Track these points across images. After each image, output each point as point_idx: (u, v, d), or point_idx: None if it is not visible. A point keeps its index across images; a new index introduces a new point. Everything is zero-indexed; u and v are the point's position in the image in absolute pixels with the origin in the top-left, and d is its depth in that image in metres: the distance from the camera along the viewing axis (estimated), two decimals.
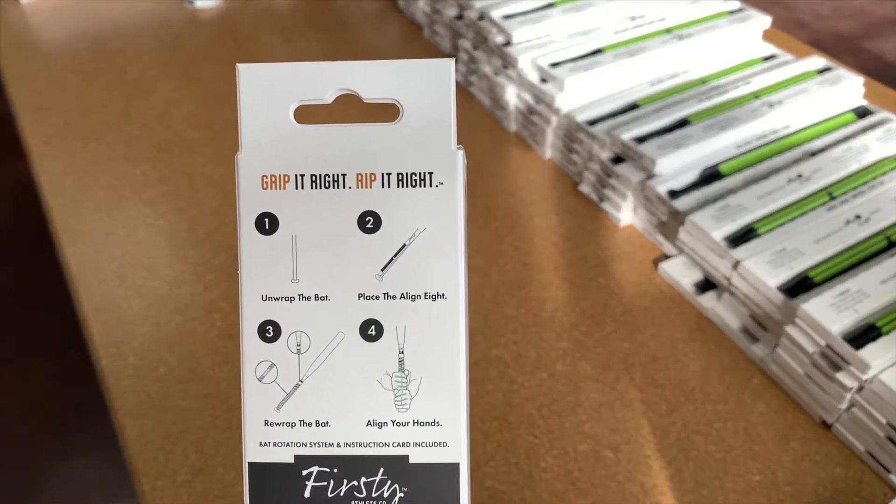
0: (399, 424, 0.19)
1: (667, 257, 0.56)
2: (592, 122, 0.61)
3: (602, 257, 0.57)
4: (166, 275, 0.56)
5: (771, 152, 0.58)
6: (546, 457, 0.44)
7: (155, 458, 0.44)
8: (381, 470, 0.19)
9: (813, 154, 0.58)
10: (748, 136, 0.60)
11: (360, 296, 0.19)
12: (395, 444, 0.19)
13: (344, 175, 0.19)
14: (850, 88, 0.65)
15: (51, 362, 1.25)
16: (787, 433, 0.45)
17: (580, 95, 0.64)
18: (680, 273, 0.54)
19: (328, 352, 0.19)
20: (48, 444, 1.15)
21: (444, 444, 0.18)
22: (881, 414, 0.41)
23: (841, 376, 0.42)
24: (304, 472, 0.19)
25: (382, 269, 0.19)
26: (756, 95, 0.63)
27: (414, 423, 0.19)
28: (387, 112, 0.20)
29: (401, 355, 0.19)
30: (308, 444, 0.19)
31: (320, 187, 0.19)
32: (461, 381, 0.19)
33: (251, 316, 0.19)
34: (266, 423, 0.19)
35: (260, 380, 0.19)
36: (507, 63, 0.69)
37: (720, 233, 0.51)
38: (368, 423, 0.19)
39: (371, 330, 0.19)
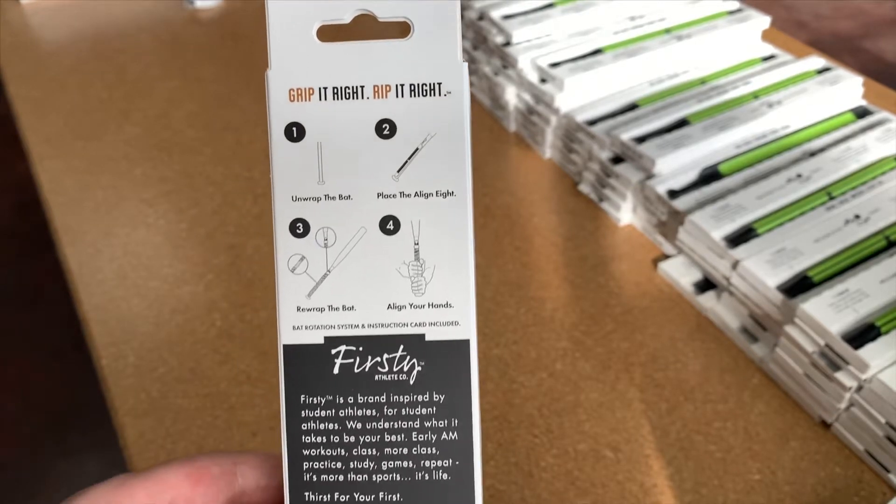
0: (416, 307, 0.21)
1: (666, 257, 0.56)
2: (592, 122, 0.62)
3: (602, 257, 0.57)
4: (166, 274, 0.56)
5: (770, 152, 0.58)
6: (546, 456, 0.44)
7: (155, 457, 0.44)
8: (401, 347, 0.21)
9: (812, 154, 0.58)
10: (748, 136, 0.60)
11: (378, 195, 0.21)
12: (413, 325, 0.21)
13: (362, 87, 0.21)
14: (849, 88, 0.65)
15: (51, 362, 1.25)
16: (787, 433, 0.45)
17: (580, 95, 0.64)
18: (679, 273, 0.54)
19: (352, 245, 0.21)
20: (48, 444, 1.15)
21: (456, 324, 0.21)
22: (880, 413, 0.41)
23: (840, 376, 0.42)
24: (333, 352, 0.21)
25: (398, 171, 0.21)
26: (755, 95, 0.63)
27: (429, 305, 0.21)
28: (399, 30, 0.22)
29: (416, 247, 0.21)
30: (336, 327, 0.21)
31: (341, 98, 0.21)
32: (469, 269, 0.21)
33: (283, 215, 0.21)
34: (298, 308, 0.21)
35: (292, 271, 0.21)
36: (507, 63, 0.69)
37: (719, 232, 0.51)
38: (389, 307, 0.21)
39: (389, 225, 0.21)
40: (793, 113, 0.62)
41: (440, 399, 0.21)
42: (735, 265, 0.49)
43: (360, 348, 0.21)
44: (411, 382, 0.21)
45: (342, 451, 0.21)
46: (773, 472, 0.43)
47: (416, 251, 0.21)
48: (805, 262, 0.48)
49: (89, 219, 0.61)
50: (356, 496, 0.21)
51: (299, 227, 0.21)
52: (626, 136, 0.58)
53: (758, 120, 0.60)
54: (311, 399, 0.21)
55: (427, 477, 0.21)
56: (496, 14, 0.71)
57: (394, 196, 0.21)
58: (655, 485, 0.42)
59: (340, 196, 0.21)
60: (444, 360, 0.21)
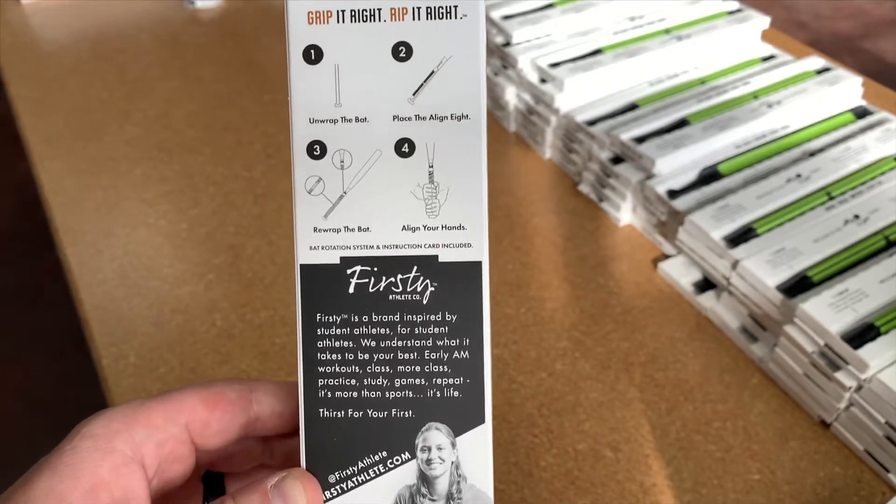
0: (430, 229, 0.21)
1: (666, 257, 0.56)
2: (592, 123, 0.62)
3: (601, 257, 0.57)
4: (167, 274, 0.56)
5: (770, 152, 0.58)
6: (546, 456, 0.44)
7: None
8: (415, 268, 0.21)
9: (812, 154, 0.58)
10: (747, 136, 0.60)
11: (394, 117, 0.21)
12: (427, 246, 0.22)
13: (379, 9, 0.21)
14: (848, 88, 0.65)
15: (51, 362, 1.25)
16: (787, 432, 0.45)
17: (580, 96, 0.64)
18: (679, 273, 0.54)
19: (368, 167, 0.21)
20: (48, 444, 1.15)
21: (469, 245, 0.22)
22: (880, 413, 0.41)
23: (840, 376, 0.42)
24: (349, 272, 0.21)
25: (414, 94, 0.21)
26: (755, 95, 0.63)
27: (442, 227, 0.22)
28: None
29: (430, 169, 0.21)
30: (352, 247, 0.22)
31: (359, 21, 0.21)
32: (483, 192, 0.22)
33: (300, 137, 0.22)
34: (315, 229, 0.22)
35: (309, 192, 0.22)
36: (507, 63, 0.69)
37: (719, 232, 0.51)
38: (403, 228, 0.21)
39: (404, 147, 0.21)
40: (792, 113, 0.62)
41: (452, 319, 0.22)
42: (735, 265, 0.49)
43: (375, 268, 0.21)
44: (424, 302, 0.22)
45: (356, 368, 0.21)
46: (772, 472, 0.43)
47: (431, 174, 0.21)
48: (805, 262, 0.48)
49: (90, 219, 0.61)
50: (369, 412, 0.21)
51: (316, 149, 0.22)
52: (626, 136, 0.58)
53: (757, 120, 0.60)
54: (326, 318, 0.22)
55: (439, 394, 0.21)
56: (496, 14, 0.71)
57: (409, 119, 0.21)
58: (655, 484, 0.42)
59: (357, 118, 0.21)
60: (456, 281, 0.22)
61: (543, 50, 0.67)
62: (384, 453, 0.22)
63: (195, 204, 0.62)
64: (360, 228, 0.21)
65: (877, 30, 2.25)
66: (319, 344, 0.22)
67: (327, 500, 0.22)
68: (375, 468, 0.22)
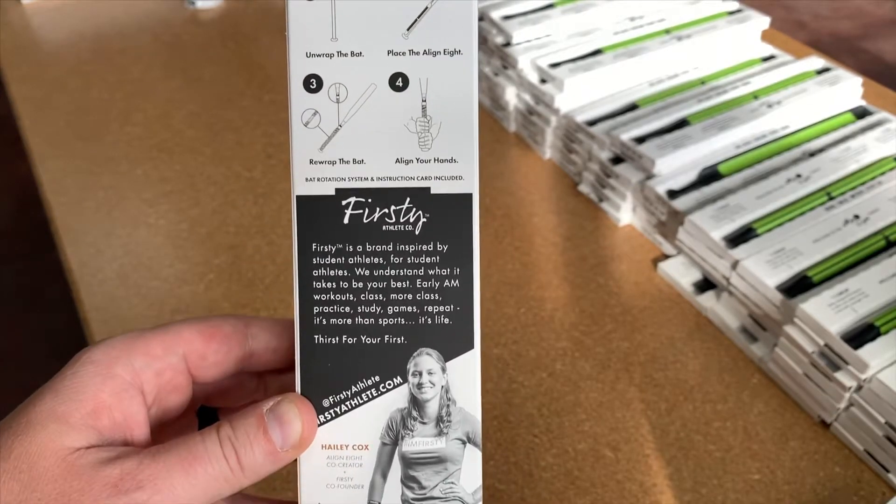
0: (422, 161, 0.22)
1: (666, 257, 0.56)
2: (592, 123, 0.62)
3: (601, 257, 0.57)
4: (167, 274, 0.56)
5: (770, 152, 0.58)
6: (546, 456, 0.44)
7: None
8: (408, 199, 0.22)
9: (812, 154, 0.58)
10: (747, 136, 0.60)
11: (388, 52, 0.22)
12: (420, 178, 0.22)
13: None
14: (848, 89, 0.65)
15: (51, 362, 1.25)
16: (786, 432, 0.45)
17: (580, 96, 0.64)
18: (679, 273, 0.54)
19: (363, 101, 0.22)
20: None
21: (460, 178, 0.22)
22: (880, 413, 0.41)
23: (840, 376, 0.42)
24: (343, 203, 0.22)
25: (408, 29, 0.22)
26: (755, 96, 0.63)
27: (434, 160, 0.22)
28: None
29: (423, 103, 0.22)
30: (346, 179, 0.22)
31: None
32: (474, 125, 0.22)
33: (297, 71, 0.22)
34: (311, 161, 0.22)
35: (305, 125, 0.22)
36: (507, 63, 0.69)
37: (719, 232, 0.51)
38: (397, 161, 0.22)
39: (399, 82, 0.22)
40: (792, 113, 0.62)
41: (443, 249, 0.22)
42: (735, 265, 0.49)
43: (369, 200, 0.22)
44: (417, 233, 0.22)
45: (350, 296, 0.22)
46: (772, 472, 0.43)
47: (424, 107, 0.22)
48: (804, 262, 0.48)
49: (90, 219, 0.61)
50: (363, 339, 0.22)
51: (313, 83, 0.22)
52: (626, 136, 0.59)
53: (757, 120, 0.60)
54: (322, 247, 0.22)
55: (430, 321, 0.22)
56: (496, 14, 0.71)
57: (403, 53, 0.22)
58: (655, 484, 0.42)
59: (352, 53, 0.22)
60: (447, 212, 0.22)
61: (543, 50, 0.67)
62: (377, 378, 0.22)
63: (195, 204, 0.62)
64: (354, 161, 0.22)
65: (876, 30, 2.25)
66: (315, 273, 0.22)
67: (321, 423, 0.22)
68: (368, 392, 0.22)
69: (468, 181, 0.22)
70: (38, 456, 0.19)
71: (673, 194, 0.55)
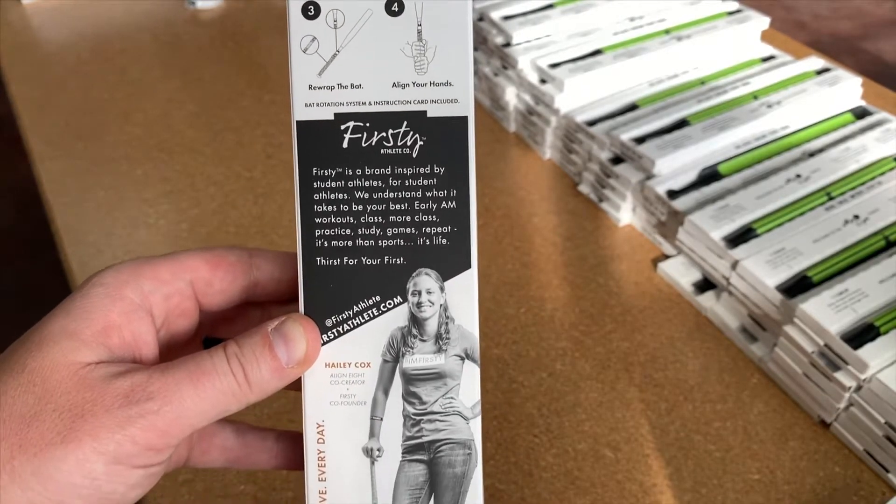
0: (418, 85, 0.22)
1: (666, 257, 0.56)
2: (592, 123, 0.62)
3: (601, 257, 0.57)
4: None
5: (770, 153, 0.58)
6: (546, 456, 0.44)
7: None
8: (405, 123, 0.22)
9: (811, 154, 0.58)
10: (747, 136, 0.60)
11: None
12: (416, 102, 0.22)
13: None
14: (848, 89, 0.65)
15: None
16: (786, 432, 0.45)
17: (579, 96, 0.65)
18: (679, 273, 0.54)
19: (360, 26, 0.22)
20: None
21: (455, 101, 0.22)
22: (879, 413, 0.41)
23: (839, 376, 0.43)
24: (342, 127, 0.23)
25: None
26: (755, 96, 0.63)
27: (430, 84, 0.22)
28: None
29: (419, 27, 0.22)
30: (345, 104, 0.23)
31: None
32: (468, 49, 0.22)
33: None
34: (310, 87, 0.23)
35: (304, 51, 0.22)
36: (507, 64, 0.69)
37: (719, 233, 0.51)
38: (394, 85, 0.22)
39: (394, 6, 0.22)
40: (792, 113, 0.62)
41: (440, 171, 0.23)
42: (734, 265, 0.49)
43: (367, 124, 0.22)
44: (414, 156, 0.23)
45: (351, 219, 0.23)
46: (772, 472, 0.43)
47: (419, 32, 0.22)
48: (804, 262, 0.48)
49: (90, 219, 0.61)
50: (363, 260, 0.23)
51: (311, 9, 0.22)
52: (626, 136, 0.59)
53: (757, 120, 0.60)
54: (322, 171, 0.23)
55: (428, 242, 0.23)
56: (496, 15, 0.71)
57: None
58: (655, 484, 0.42)
59: None
60: (444, 135, 0.22)
61: (543, 50, 0.67)
62: (377, 298, 0.23)
63: (196, 204, 0.62)
64: (352, 85, 0.22)
65: (876, 30, 2.25)
66: (316, 196, 0.23)
67: (325, 342, 0.23)
68: (369, 312, 0.23)
69: (463, 104, 0.22)
70: (52, 370, 0.20)
71: (673, 194, 0.55)
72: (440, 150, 0.23)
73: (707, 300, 0.52)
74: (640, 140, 0.58)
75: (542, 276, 0.55)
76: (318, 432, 0.23)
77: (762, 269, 0.48)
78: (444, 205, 0.23)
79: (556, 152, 0.66)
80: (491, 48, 0.71)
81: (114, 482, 0.20)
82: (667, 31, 0.70)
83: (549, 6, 0.72)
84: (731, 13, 0.73)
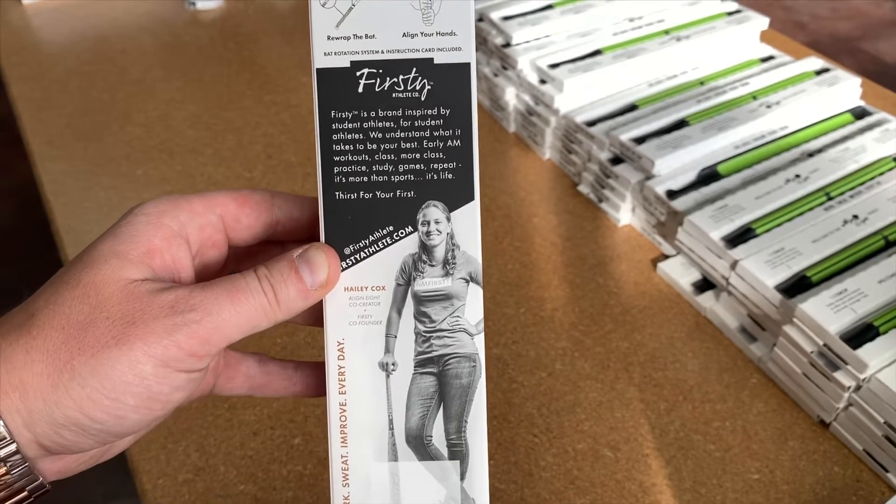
0: (426, 35, 0.25)
1: (665, 257, 0.57)
2: (591, 123, 0.62)
3: (601, 257, 0.57)
4: None
5: (769, 153, 0.59)
6: (545, 455, 0.44)
7: (156, 456, 0.44)
8: (414, 69, 0.25)
9: (811, 155, 0.58)
10: (746, 136, 0.60)
11: None
12: (424, 50, 0.25)
13: None
14: (847, 89, 0.65)
15: None
16: (786, 432, 0.45)
17: (579, 96, 0.65)
18: (678, 273, 0.54)
19: None
20: None
21: (459, 49, 0.25)
22: (879, 413, 0.41)
23: (839, 375, 0.43)
24: (358, 74, 0.25)
25: None
26: (754, 96, 0.63)
27: (437, 34, 0.25)
28: None
29: None
30: (360, 53, 0.25)
31: None
32: (471, 2, 0.25)
33: None
34: (328, 38, 0.25)
35: (323, 6, 0.25)
36: (507, 64, 0.69)
37: (718, 233, 0.51)
38: (404, 35, 0.25)
39: None
40: (791, 114, 0.62)
41: (446, 112, 0.25)
42: (734, 265, 0.49)
43: (380, 70, 0.25)
44: (422, 99, 0.25)
45: (366, 157, 0.25)
46: (771, 472, 0.43)
47: None
48: (803, 262, 0.48)
49: (91, 219, 0.61)
50: (378, 194, 0.25)
51: None
52: (626, 136, 0.59)
53: (756, 121, 0.60)
54: (340, 114, 0.25)
55: (436, 177, 0.25)
56: (496, 15, 0.71)
57: None
58: (654, 484, 0.42)
59: None
60: (449, 80, 0.25)
61: (543, 51, 0.68)
62: (390, 228, 0.25)
63: None
64: (366, 36, 0.25)
65: (875, 31, 2.25)
66: (334, 137, 0.25)
67: (344, 269, 0.25)
68: (383, 240, 0.25)
69: (466, 52, 0.25)
70: (104, 284, 0.22)
71: (672, 194, 0.55)
72: (446, 93, 0.25)
73: (706, 300, 0.52)
74: (640, 140, 0.58)
75: (542, 276, 0.55)
76: (338, 350, 0.26)
77: (761, 269, 0.48)
78: (449, 143, 0.25)
79: (556, 153, 0.66)
80: (491, 48, 0.71)
81: (161, 383, 0.22)
82: (666, 32, 0.70)
83: (549, 7, 0.73)
84: (730, 13, 0.73)
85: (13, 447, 0.21)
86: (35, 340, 0.21)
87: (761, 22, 0.72)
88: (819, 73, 0.66)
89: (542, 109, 0.66)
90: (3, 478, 0.22)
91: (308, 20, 0.25)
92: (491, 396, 0.47)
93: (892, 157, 0.58)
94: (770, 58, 0.70)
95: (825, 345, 0.43)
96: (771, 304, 0.47)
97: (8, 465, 0.21)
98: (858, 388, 0.42)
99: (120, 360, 0.21)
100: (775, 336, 0.47)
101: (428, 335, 0.25)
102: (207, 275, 0.26)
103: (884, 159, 0.57)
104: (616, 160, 0.59)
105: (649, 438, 0.45)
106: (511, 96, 0.69)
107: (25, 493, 0.22)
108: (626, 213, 0.59)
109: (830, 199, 0.53)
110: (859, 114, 0.63)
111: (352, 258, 0.25)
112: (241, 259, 0.28)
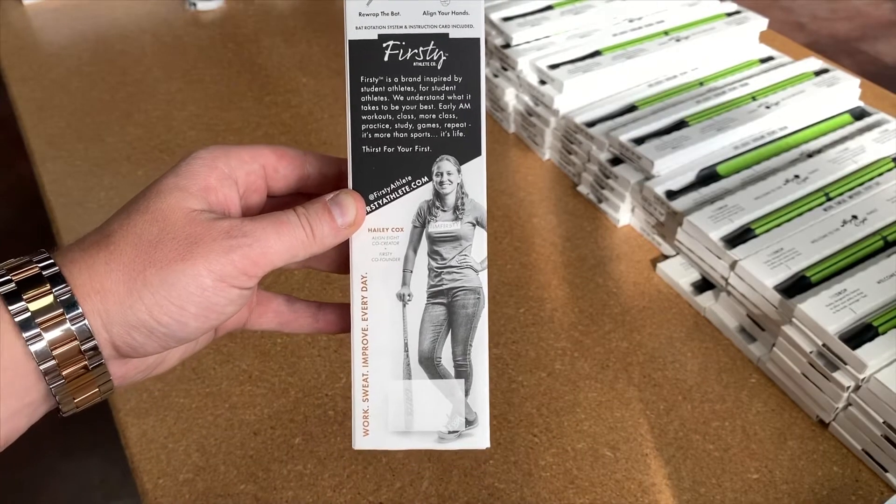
0: (443, 13, 0.29)
1: (665, 257, 0.57)
2: (591, 124, 0.62)
3: (600, 257, 0.57)
4: None
5: (768, 153, 0.59)
6: (545, 455, 0.44)
7: (157, 456, 0.44)
8: (432, 43, 0.29)
9: (810, 155, 0.58)
10: (745, 137, 0.60)
11: None
12: (440, 26, 0.29)
13: None
14: (846, 90, 0.65)
15: None
16: (785, 432, 0.45)
17: (579, 97, 0.65)
18: (678, 273, 0.54)
19: None
20: (51, 444, 1.15)
21: (471, 26, 0.29)
22: (878, 413, 0.41)
23: (838, 375, 0.43)
24: (384, 45, 0.29)
25: None
26: (753, 97, 0.63)
27: (452, 12, 0.29)
28: None
29: None
30: (386, 27, 0.29)
31: None
32: None
33: None
34: (360, 14, 0.29)
35: None
36: (507, 65, 0.69)
37: (718, 233, 0.51)
38: (424, 13, 0.29)
39: None
40: (790, 114, 0.62)
41: (459, 80, 0.29)
42: (733, 265, 0.49)
43: (403, 43, 0.29)
44: (439, 67, 0.29)
45: (389, 116, 0.29)
46: (770, 472, 0.43)
47: None
48: (803, 262, 0.48)
49: (91, 220, 0.61)
50: (398, 149, 0.29)
51: None
52: (625, 137, 0.59)
53: (756, 121, 0.60)
54: (368, 79, 0.29)
55: (448, 135, 0.29)
56: (495, 16, 0.71)
57: None
58: (654, 484, 0.42)
59: None
60: (461, 52, 0.29)
61: (543, 52, 0.68)
62: (409, 178, 0.29)
63: None
64: (392, 13, 0.29)
65: (875, 31, 2.26)
66: (363, 99, 0.29)
67: (368, 212, 0.29)
68: (403, 188, 0.29)
69: (477, 28, 0.28)
70: (169, 210, 0.26)
71: (671, 195, 0.55)
72: (458, 63, 0.29)
73: (706, 300, 0.52)
74: (639, 141, 0.58)
75: (542, 277, 0.55)
76: (362, 283, 0.29)
77: (761, 270, 0.48)
78: (461, 106, 0.29)
79: (556, 153, 0.66)
80: (490, 49, 0.71)
81: (218, 295, 0.25)
82: (665, 33, 0.70)
83: (549, 7, 0.73)
84: (729, 14, 0.73)
85: (93, 343, 0.24)
86: (112, 254, 0.25)
87: (760, 23, 0.72)
88: (818, 73, 0.66)
89: (542, 110, 0.66)
90: (82, 370, 0.24)
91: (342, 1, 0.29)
92: (491, 396, 0.47)
93: (891, 157, 0.58)
94: (769, 58, 0.70)
95: (824, 345, 0.43)
96: (770, 305, 0.47)
97: (88, 358, 0.24)
98: (857, 388, 0.42)
99: (185, 273, 0.25)
100: (774, 336, 0.47)
101: (439, 271, 0.29)
102: (250, 216, 0.30)
103: (883, 160, 0.57)
104: (615, 161, 0.59)
105: (649, 438, 0.45)
106: (511, 97, 0.69)
107: (97, 390, 0.26)
108: (625, 214, 0.60)
109: (829, 199, 0.53)
110: (858, 114, 0.63)
111: (375, 203, 0.29)
112: (275, 207, 0.31)
